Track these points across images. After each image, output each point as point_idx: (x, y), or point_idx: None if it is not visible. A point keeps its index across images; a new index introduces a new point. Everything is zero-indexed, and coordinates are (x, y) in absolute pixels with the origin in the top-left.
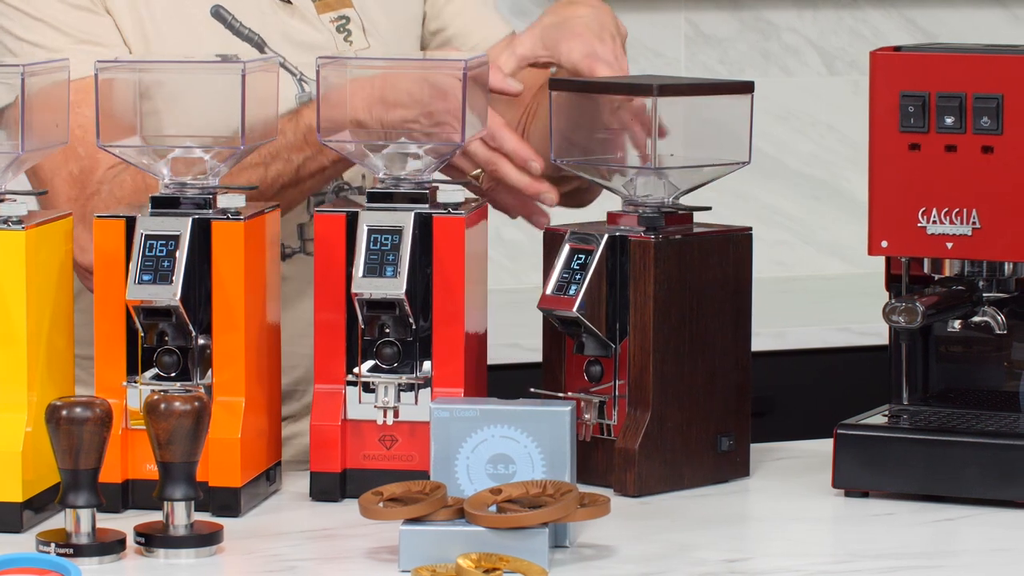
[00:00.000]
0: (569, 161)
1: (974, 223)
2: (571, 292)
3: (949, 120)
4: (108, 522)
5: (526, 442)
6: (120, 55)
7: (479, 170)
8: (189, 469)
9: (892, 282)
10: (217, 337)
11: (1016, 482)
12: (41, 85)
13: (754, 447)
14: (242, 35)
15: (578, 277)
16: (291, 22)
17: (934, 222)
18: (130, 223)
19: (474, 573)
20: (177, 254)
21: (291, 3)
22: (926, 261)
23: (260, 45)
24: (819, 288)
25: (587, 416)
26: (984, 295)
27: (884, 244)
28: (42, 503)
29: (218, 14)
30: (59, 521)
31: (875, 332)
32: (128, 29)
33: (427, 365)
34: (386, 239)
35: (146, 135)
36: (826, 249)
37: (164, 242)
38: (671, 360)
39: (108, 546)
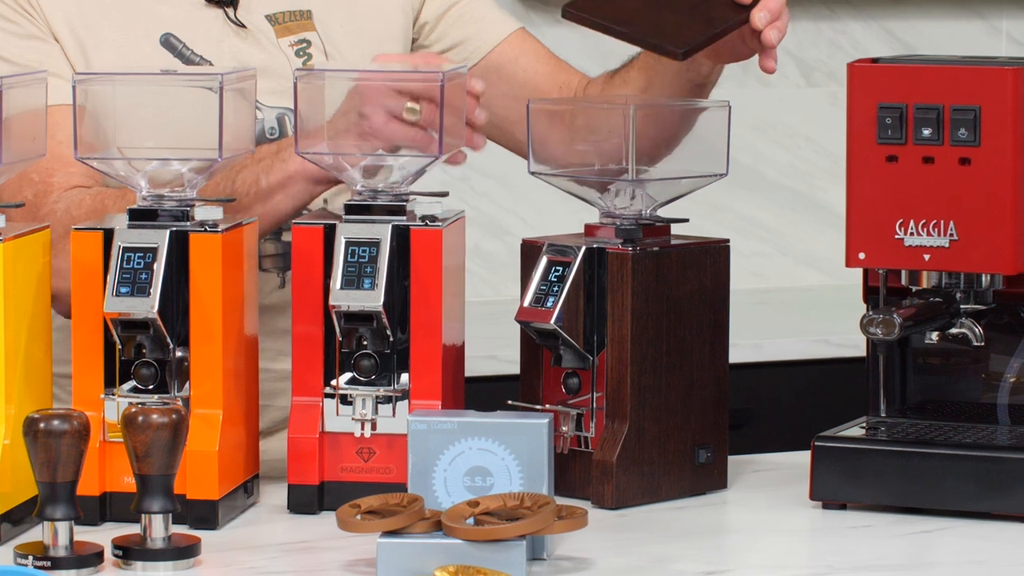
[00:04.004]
0: (545, 174)
1: (951, 235)
2: (549, 304)
3: (926, 132)
4: (86, 535)
5: (504, 454)
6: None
7: (416, 104)
8: (167, 482)
9: (870, 294)
10: (195, 349)
11: (993, 494)
12: (18, 98)
13: (732, 459)
14: (193, 63)
15: (556, 289)
16: (245, 48)
17: (911, 234)
18: (108, 236)
19: None
20: (155, 266)
21: (246, 28)
22: (903, 273)
23: None
24: (796, 300)
25: (565, 428)
26: (962, 307)
27: (861, 256)
28: (20, 516)
29: (168, 43)
30: (37, 534)
31: (853, 344)
32: (71, 57)
33: (405, 377)
34: (364, 251)
35: (121, 147)
36: (803, 261)
37: (142, 254)
38: (649, 372)
39: (86, 559)
